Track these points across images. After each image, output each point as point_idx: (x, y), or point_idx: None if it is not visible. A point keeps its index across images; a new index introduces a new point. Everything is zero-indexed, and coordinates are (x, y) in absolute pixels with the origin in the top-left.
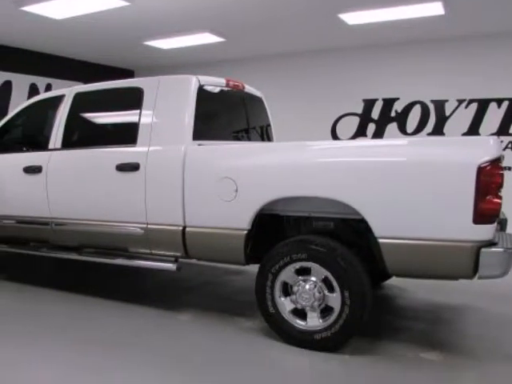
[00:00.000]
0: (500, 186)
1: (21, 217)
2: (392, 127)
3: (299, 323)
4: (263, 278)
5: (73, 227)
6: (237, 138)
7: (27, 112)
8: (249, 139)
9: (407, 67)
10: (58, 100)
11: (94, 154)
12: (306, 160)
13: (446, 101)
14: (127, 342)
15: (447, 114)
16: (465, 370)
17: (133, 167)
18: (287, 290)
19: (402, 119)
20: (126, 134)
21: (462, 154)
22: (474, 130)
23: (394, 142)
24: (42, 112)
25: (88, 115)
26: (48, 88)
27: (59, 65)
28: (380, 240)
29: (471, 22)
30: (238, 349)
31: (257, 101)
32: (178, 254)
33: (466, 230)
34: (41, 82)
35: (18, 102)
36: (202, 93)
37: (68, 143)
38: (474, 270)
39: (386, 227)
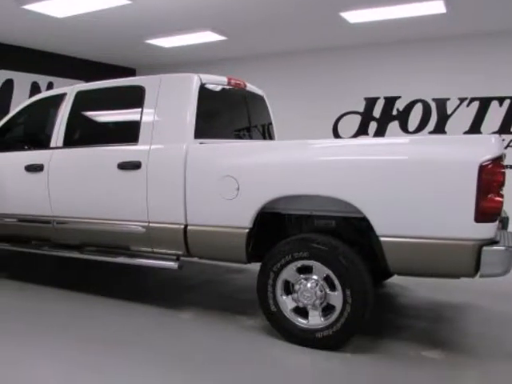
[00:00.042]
0: (501, 184)
1: (22, 215)
2: (394, 125)
3: (301, 322)
4: (265, 276)
5: (74, 225)
6: (238, 137)
7: (29, 110)
8: (250, 138)
9: (409, 66)
10: (60, 98)
11: (95, 153)
12: (307, 158)
13: (448, 99)
14: (129, 341)
15: (449, 112)
16: (466, 368)
17: (134, 166)
18: (289, 289)
19: (403, 117)
20: (128, 133)
21: (463, 152)
22: (475, 128)
23: (395, 141)
24: (44, 110)
25: (89, 114)
26: (49, 86)
27: (61, 63)
28: (381, 238)
29: (473, 20)
30: (239, 347)
31: (258, 99)
32: (180, 253)
33: (467, 228)
34: (42, 80)
35: (20, 101)
36: (203, 91)
37: (70, 141)
38: (475, 269)
39: (388, 225)
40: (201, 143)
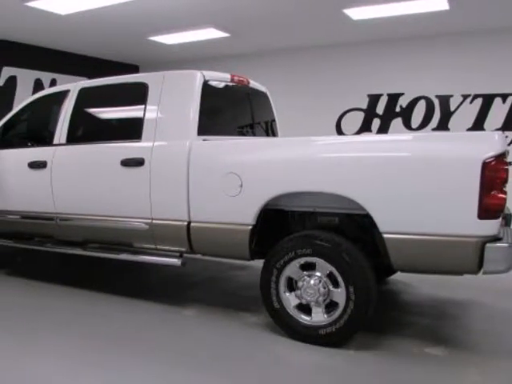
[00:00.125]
0: (505, 181)
1: (26, 212)
2: (397, 122)
3: (304, 318)
4: (268, 273)
5: (77, 222)
6: (242, 134)
7: (32, 107)
8: (254, 134)
9: (412, 62)
10: (63, 95)
11: (98, 150)
12: (310, 155)
13: (451, 96)
14: (132, 337)
15: (452, 109)
16: (469, 365)
17: (138, 162)
18: (292, 286)
19: (406, 114)
20: (131, 130)
21: (466, 149)
22: (478, 125)
23: (398, 138)
24: (47, 107)
25: (93, 110)
26: (53, 83)
27: (64, 60)
28: (385, 235)
29: (476, 17)
30: (242, 344)
31: (261, 96)
32: (183, 249)
33: (470, 225)
34: (45, 77)
35: (23, 98)
36: (206, 88)
37: (73, 138)
38: (478, 266)
39: (391, 222)
40: (204, 140)
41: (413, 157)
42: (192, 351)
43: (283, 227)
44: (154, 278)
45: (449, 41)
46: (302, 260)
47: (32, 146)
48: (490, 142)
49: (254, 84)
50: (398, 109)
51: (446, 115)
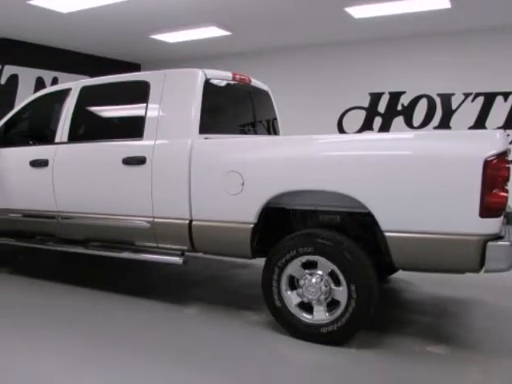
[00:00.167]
0: (506, 179)
1: (27, 210)
2: (398, 121)
3: (306, 317)
4: (270, 271)
5: (79, 221)
6: (243, 132)
7: (34, 106)
8: (255, 133)
9: (413, 61)
10: (65, 94)
11: (100, 148)
12: (312, 154)
13: (453, 94)
14: (133, 336)
15: (453, 107)
16: (471, 363)
17: (139, 161)
18: (293, 284)
19: (408, 113)
20: (133, 128)
21: (468, 147)
22: (480, 123)
23: (400, 136)
24: (49, 106)
25: (94, 109)
26: (54, 82)
27: (65, 58)
28: (386, 234)
29: (477, 15)
30: (244, 342)
31: (263, 94)
32: (185, 248)
33: (472, 223)
34: (47, 75)
35: (25, 96)
36: (208, 86)
37: (74, 137)
38: (480, 264)
39: (393, 221)
40: (206, 138)
41: (414, 155)
42: (193, 349)
43: (285, 225)
44: (155, 276)
45: (450, 39)
46: (304, 258)
47: (34, 144)
48: (491, 141)
49: (255, 82)
50: (399, 107)
51: (448, 113)
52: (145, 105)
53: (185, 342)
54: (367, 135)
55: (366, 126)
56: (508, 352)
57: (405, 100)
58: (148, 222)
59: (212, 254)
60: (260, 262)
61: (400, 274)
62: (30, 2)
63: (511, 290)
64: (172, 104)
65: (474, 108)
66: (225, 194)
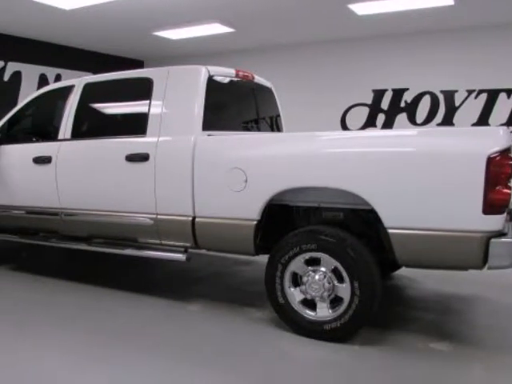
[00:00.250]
0: (510, 176)
1: (30, 207)
2: (402, 117)
3: (309, 314)
4: (273, 268)
5: (82, 217)
6: (246, 129)
7: (37, 102)
8: (258, 129)
9: (417, 58)
10: (68, 90)
11: (103, 145)
12: (315, 150)
13: (456, 91)
14: (137, 333)
15: (457, 104)
16: (474, 360)
17: (142, 158)
18: (297, 281)
19: (411, 109)
20: (136, 125)
21: (471, 144)
22: (483, 120)
23: (403, 133)
24: (52, 102)
25: (97, 105)
26: (57, 78)
27: (69, 55)
28: (389, 230)
29: (481, 12)
30: (247, 339)
31: (266, 91)
32: (188, 245)
33: (475, 220)
34: (50, 72)
35: (28, 93)
36: (211, 83)
37: (78, 133)
38: (483, 261)
39: (396, 217)
40: (209, 135)
41: (418, 152)
42: (197, 346)
43: (288, 222)
44: (158, 273)
45: (454, 36)
46: (307, 255)
47: (37, 141)
48: (494, 137)
49: (258, 79)
50: (402, 104)
51: (451, 110)
52: (148, 102)
53: (188, 339)
54: (370, 132)
55: (369, 122)
56: (511, 349)
57: (408, 97)
58: (151, 218)
59: (215, 251)
60: (263, 258)
61: (403, 271)
62: None
63: None
64: (175, 101)
65: (477, 105)
66: (228, 191)
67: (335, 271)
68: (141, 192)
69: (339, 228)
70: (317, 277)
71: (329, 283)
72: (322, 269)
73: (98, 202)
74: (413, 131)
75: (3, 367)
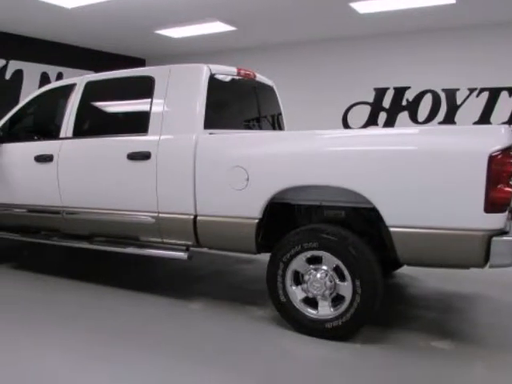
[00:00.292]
0: (511, 174)
1: (32, 205)
2: (403, 116)
3: (310, 312)
4: (274, 266)
5: (84, 216)
6: (248, 127)
7: (38, 101)
8: (260, 128)
9: (418, 56)
10: (69, 89)
11: (105, 143)
12: (317, 149)
13: (457, 90)
14: (138, 331)
15: (458, 102)
16: (476, 358)
17: (144, 156)
18: (298, 279)
19: (413, 108)
20: (137, 123)
21: (473, 142)
22: (485, 118)
23: (405, 131)
24: (53, 101)
25: (99, 104)
26: (59, 77)
27: (70, 54)
28: (391, 229)
29: (482, 10)
30: (249, 337)
31: (268, 90)
32: (190, 243)
33: (477, 218)
34: (52, 70)
35: (30, 91)
36: (213, 81)
37: (79, 132)
38: (485, 259)
39: (397, 216)
40: (210, 133)
41: (419, 150)
42: (198, 345)
43: (289, 221)
44: (160, 271)
45: (455, 34)
46: (309, 254)
47: (38, 139)
48: (496, 136)
49: (260, 78)
50: (404, 102)
51: (453, 109)
52: (150, 100)
53: (189, 337)
54: (372, 130)
55: (371, 121)
56: None
57: (409, 95)
58: (153, 217)
59: (217, 249)
60: (265, 257)
61: (405, 269)
62: None
63: None
64: (177, 99)
65: (478, 103)
66: (230, 189)
67: (337, 269)
68: (142, 190)
69: (341, 226)
70: (318, 275)
71: (330, 281)
72: (324, 267)
73: (100, 201)
74: (414, 130)
75: (4, 365)
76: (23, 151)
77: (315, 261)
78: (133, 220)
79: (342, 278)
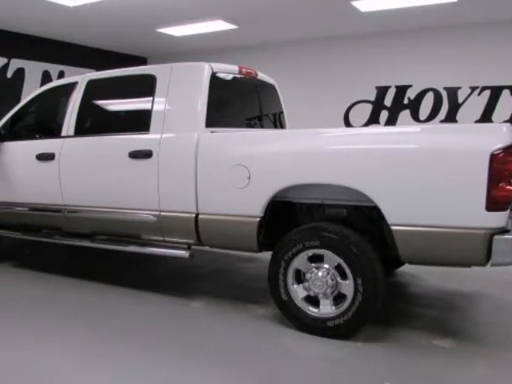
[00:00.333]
0: None
1: (34, 204)
2: (405, 114)
3: (312, 310)
4: (276, 265)
5: (85, 214)
6: (249, 126)
7: (40, 99)
8: (261, 126)
9: (420, 54)
10: (71, 87)
11: (106, 141)
12: (318, 147)
13: (459, 88)
14: (139, 329)
15: (460, 101)
16: (477, 357)
17: (146, 154)
18: (300, 278)
19: (414, 106)
20: (139, 121)
21: (474, 141)
22: (486, 117)
23: (406, 129)
24: (55, 99)
25: (101, 102)
26: (61, 75)
27: (72, 52)
28: (393, 227)
29: (484, 9)
30: (250, 336)
31: (269, 88)
32: (191, 241)
33: (478, 217)
34: (53, 69)
35: (31, 90)
36: (214, 80)
37: (81, 130)
38: (486, 258)
39: (399, 214)
40: (212, 132)
41: (421, 149)
42: (200, 343)
43: (291, 219)
44: (161, 270)
45: (457, 33)
46: (310, 252)
47: (40, 138)
48: (498, 134)
49: (261, 76)
50: (405, 101)
51: (454, 107)
52: (151, 98)
53: (191, 336)
54: (373, 129)
55: (373, 119)
56: None
57: (411, 94)
58: (154, 215)
59: (218, 248)
60: (266, 255)
61: (406, 268)
62: None
63: None
64: (178, 97)
65: (480, 102)
66: (231, 188)
67: (338, 268)
68: (144, 189)
69: (342, 225)
70: (320, 273)
71: (332, 280)
72: (325, 265)
73: (101, 199)
74: (416, 128)
75: (6, 364)
76: (25, 150)
77: (317, 259)
78: (134, 218)
79: (344, 276)
